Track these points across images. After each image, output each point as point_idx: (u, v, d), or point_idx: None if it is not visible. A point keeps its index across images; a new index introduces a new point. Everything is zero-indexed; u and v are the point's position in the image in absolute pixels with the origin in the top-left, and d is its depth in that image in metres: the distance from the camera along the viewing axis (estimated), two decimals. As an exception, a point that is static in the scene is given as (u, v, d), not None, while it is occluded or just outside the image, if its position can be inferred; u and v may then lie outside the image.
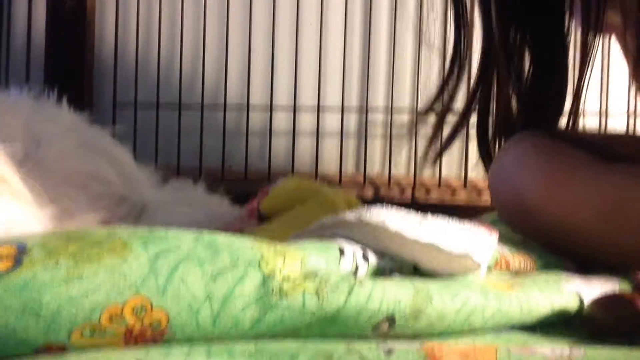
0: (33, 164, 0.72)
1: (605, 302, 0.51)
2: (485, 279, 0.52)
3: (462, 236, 0.52)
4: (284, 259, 0.42)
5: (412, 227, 0.52)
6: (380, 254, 0.51)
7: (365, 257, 0.50)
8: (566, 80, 0.76)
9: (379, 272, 0.50)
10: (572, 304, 0.54)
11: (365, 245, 0.51)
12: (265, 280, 0.40)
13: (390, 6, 1.57)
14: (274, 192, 0.88)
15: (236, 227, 0.78)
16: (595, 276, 0.60)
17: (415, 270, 0.52)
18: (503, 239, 0.65)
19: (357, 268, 0.49)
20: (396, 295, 0.44)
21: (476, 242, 0.52)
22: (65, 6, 1.61)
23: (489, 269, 0.57)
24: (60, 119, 0.86)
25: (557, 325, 0.53)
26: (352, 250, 0.49)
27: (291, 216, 0.80)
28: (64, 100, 0.90)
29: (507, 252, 0.62)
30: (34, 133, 0.78)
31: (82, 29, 1.65)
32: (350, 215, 0.53)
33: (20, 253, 0.36)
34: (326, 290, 0.42)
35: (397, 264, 0.51)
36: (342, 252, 0.49)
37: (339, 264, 0.48)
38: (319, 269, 0.44)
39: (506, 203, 0.72)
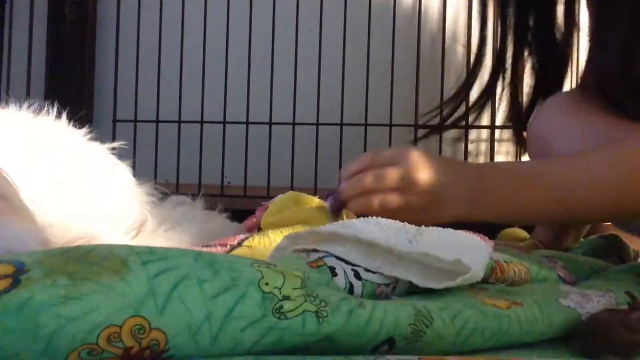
0: (32, 181, 0.72)
1: (600, 319, 0.51)
2: (484, 297, 0.52)
3: (454, 244, 0.53)
4: (284, 278, 0.42)
5: (403, 242, 0.52)
6: (372, 272, 0.51)
7: (358, 276, 0.50)
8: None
9: (375, 288, 0.50)
10: (570, 320, 0.54)
11: (356, 265, 0.51)
12: (265, 299, 0.40)
13: (388, 23, 1.58)
14: (273, 206, 0.88)
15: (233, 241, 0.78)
16: (592, 290, 0.61)
17: (411, 284, 0.52)
18: (498, 250, 0.66)
19: (351, 286, 0.49)
20: (397, 317, 0.44)
21: (469, 249, 0.53)
22: (66, 20, 1.62)
23: (485, 279, 0.57)
24: (60, 135, 0.86)
25: (555, 342, 0.53)
26: (343, 270, 0.49)
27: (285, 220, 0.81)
28: (64, 116, 0.90)
29: (502, 261, 0.62)
30: (34, 149, 0.78)
31: (83, 45, 1.66)
32: (344, 230, 0.53)
33: (18, 272, 0.36)
34: (327, 310, 0.41)
35: (391, 280, 0.51)
36: (333, 272, 0.49)
37: (332, 281, 0.48)
38: (320, 289, 0.43)
39: (533, 142, 0.89)
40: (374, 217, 0.56)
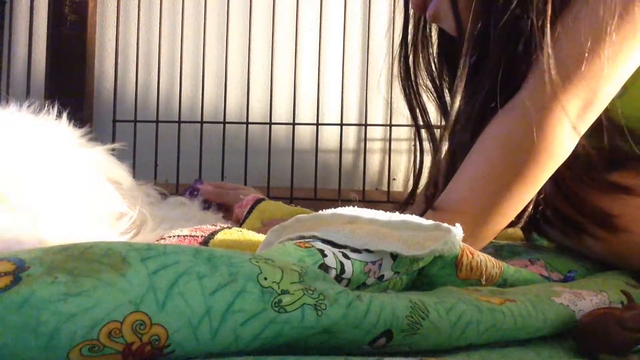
0: (31, 180, 0.72)
1: (594, 318, 0.52)
2: (478, 295, 0.53)
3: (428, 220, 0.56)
4: (282, 272, 0.42)
5: (383, 215, 0.55)
6: (358, 251, 0.52)
7: (346, 256, 0.51)
8: None
9: (363, 266, 0.51)
10: (564, 317, 0.54)
11: (343, 247, 0.52)
12: (264, 294, 0.40)
13: (388, 24, 1.58)
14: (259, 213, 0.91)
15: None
16: (585, 290, 0.61)
17: (395, 259, 0.53)
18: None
19: (342, 266, 0.49)
20: (393, 309, 0.44)
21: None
22: (66, 20, 1.62)
23: (459, 260, 0.58)
24: (60, 135, 0.86)
25: (550, 341, 0.54)
26: (332, 251, 0.51)
27: None
28: (64, 116, 0.90)
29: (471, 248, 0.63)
30: (33, 149, 0.78)
31: (83, 45, 1.66)
32: (326, 213, 0.56)
33: (19, 269, 0.36)
34: (325, 303, 0.42)
35: (377, 255, 0.53)
36: (322, 253, 0.50)
37: (323, 262, 0.49)
38: (317, 283, 0.44)
39: None
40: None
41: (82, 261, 0.37)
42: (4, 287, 0.34)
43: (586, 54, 0.68)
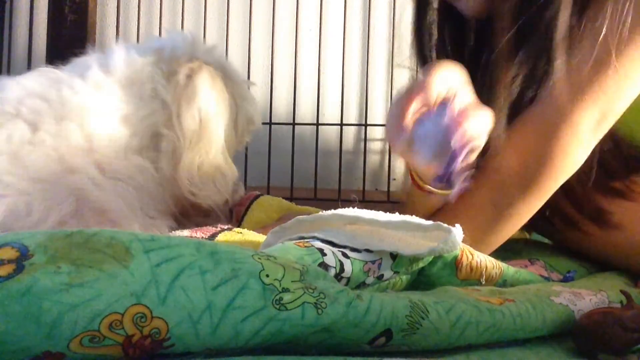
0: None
1: (594, 318, 0.52)
2: (478, 296, 0.53)
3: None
4: (284, 270, 0.42)
5: (384, 215, 0.56)
6: (357, 250, 0.52)
7: (345, 255, 0.51)
8: None
9: (362, 265, 0.52)
10: (563, 317, 0.54)
11: (343, 246, 0.52)
12: (266, 291, 0.40)
13: (388, 24, 1.58)
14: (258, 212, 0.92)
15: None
16: (584, 290, 0.61)
17: (394, 259, 0.53)
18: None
19: (341, 265, 0.50)
20: (393, 309, 0.44)
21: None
22: (66, 20, 1.62)
23: (458, 260, 0.58)
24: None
25: (550, 341, 0.54)
26: (331, 251, 0.51)
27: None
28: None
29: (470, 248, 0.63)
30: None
31: (83, 45, 1.66)
32: (326, 213, 0.57)
33: (22, 257, 0.36)
34: (325, 302, 0.42)
35: (376, 255, 0.53)
36: (322, 252, 0.50)
37: (322, 260, 0.49)
38: (318, 282, 0.44)
39: None
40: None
41: (85, 250, 0.37)
42: (6, 276, 0.34)
43: (602, 66, 0.69)
